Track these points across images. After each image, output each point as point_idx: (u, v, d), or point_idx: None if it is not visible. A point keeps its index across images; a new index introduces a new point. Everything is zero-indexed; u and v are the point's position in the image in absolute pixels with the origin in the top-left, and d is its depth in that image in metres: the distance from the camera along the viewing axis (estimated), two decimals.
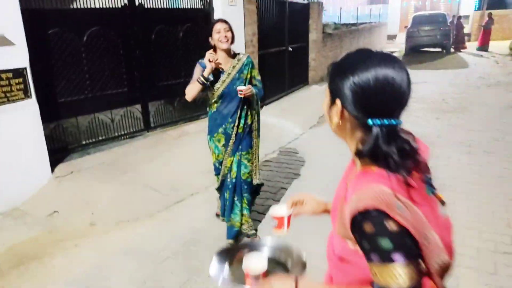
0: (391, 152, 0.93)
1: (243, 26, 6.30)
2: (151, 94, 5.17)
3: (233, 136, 3.03)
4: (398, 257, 0.87)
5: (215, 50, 2.91)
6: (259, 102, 3.14)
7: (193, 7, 5.62)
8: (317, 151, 5.30)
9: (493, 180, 4.18)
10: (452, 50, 16.74)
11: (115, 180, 4.07)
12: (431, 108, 7.52)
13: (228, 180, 3.13)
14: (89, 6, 4.36)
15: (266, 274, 1.13)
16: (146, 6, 4.93)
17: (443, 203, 1.07)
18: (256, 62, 6.80)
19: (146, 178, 4.19)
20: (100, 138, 4.69)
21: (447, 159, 4.84)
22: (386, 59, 0.97)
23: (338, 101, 1.00)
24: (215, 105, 3.03)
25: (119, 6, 4.66)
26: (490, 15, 16.81)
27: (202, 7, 5.76)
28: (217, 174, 3.19)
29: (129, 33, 4.77)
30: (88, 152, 4.51)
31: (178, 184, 4.15)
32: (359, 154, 0.99)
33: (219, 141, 3.08)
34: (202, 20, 5.69)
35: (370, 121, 0.94)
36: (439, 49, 16.63)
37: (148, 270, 2.89)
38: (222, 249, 1.35)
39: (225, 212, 3.18)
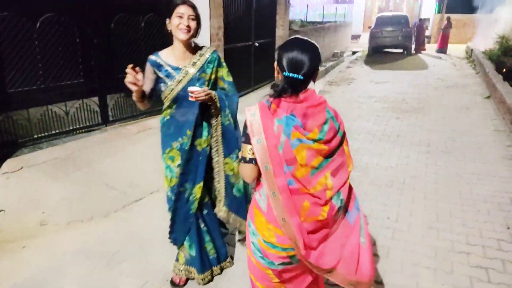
0: (285, 90, 1.57)
1: (208, 18, 6.15)
2: (110, 85, 4.94)
3: (188, 150, 2.34)
4: (242, 138, 1.59)
5: (171, 39, 2.32)
6: (226, 112, 2.39)
7: None
8: None
9: (450, 179, 4.30)
10: (413, 51, 17.28)
11: (69, 177, 3.85)
12: (391, 107, 7.69)
13: (193, 215, 2.47)
14: None
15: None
16: None
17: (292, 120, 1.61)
18: (221, 56, 6.66)
19: (102, 175, 3.99)
20: (54, 132, 4.43)
21: (406, 158, 4.94)
22: (297, 44, 1.61)
23: (275, 64, 1.62)
24: (168, 110, 2.38)
25: None
26: (448, 19, 17.48)
27: None
28: (171, 208, 2.45)
29: (86, 21, 4.52)
30: (40, 146, 4.24)
31: (137, 181, 3.97)
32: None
33: (172, 159, 2.39)
34: (166, 10, 5.48)
35: (285, 73, 1.56)
36: (401, 50, 17.11)
37: (102, 273, 2.73)
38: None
39: (196, 264, 2.55)
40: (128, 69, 2.03)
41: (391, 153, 5.10)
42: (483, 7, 20.05)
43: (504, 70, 9.94)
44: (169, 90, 2.31)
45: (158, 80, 2.34)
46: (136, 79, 2.06)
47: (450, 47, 17.70)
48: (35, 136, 4.27)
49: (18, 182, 3.65)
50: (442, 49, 17.26)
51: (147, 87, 2.31)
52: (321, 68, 12.03)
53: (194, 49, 2.37)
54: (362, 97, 8.72)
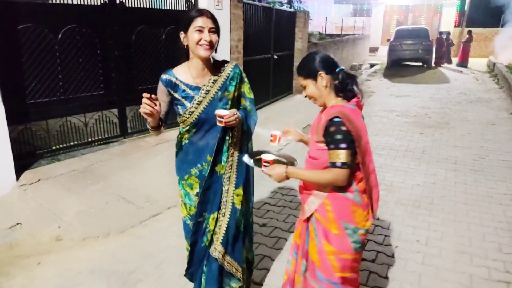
0: (350, 82, 1.81)
1: (228, 31, 6.10)
2: (129, 98, 4.88)
3: (207, 177, 2.11)
4: (343, 145, 1.67)
5: (187, 56, 2.04)
6: (250, 133, 2.22)
7: (177, 8, 5.39)
8: (302, 162, 5.11)
9: (480, 200, 4.08)
10: (433, 65, 16.98)
11: (86, 190, 3.78)
12: (414, 122, 7.48)
13: (206, 249, 2.21)
14: (67, 2, 4.09)
15: (274, 162, 1.86)
16: (127, 5, 4.67)
17: (363, 117, 1.85)
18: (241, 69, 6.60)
19: (120, 188, 3.90)
20: (72, 143, 4.38)
21: (433, 176, 4.73)
22: (316, 52, 1.89)
23: (320, 73, 1.78)
24: (187, 134, 2.11)
25: (99, 3, 4.39)
26: (469, 32, 17.16)
27: (186, 8, 5.52)
28: (189, 238, 2.22)
29: (108, 33, 4.49)
30: (58, 158, 4.19)
31: (154, 196, 3.87)
32: (337, 90, 1.80)
33: (191, 187, 2.16)
34: (181, 22, 5.45)
35: (337, 69, 1.79)
36: (421, 64, 16.85)
37: None
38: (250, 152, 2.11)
39: None
40: (144, 99, 1.79)
41: (417, 171, 4.90)
42: (504, 21, 19.71)
43: None
44: (189, 113, 2.03)
45: (173, 102, 2.08)
46: (153, 109, 1.81)
47: (470, 61, 17.36)
48: (54, 148, 4.23)
49: (35, 195, 3.58)
50: (463, 63, 16.94)
51: (162, 112, 2.04)
52: None
53: (213, 64, 2.08)
54: (383, 110, 8.52)
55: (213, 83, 2.05)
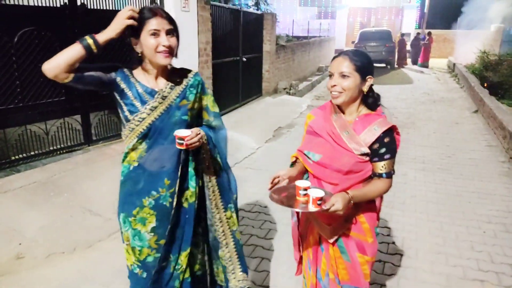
0: (378, 97, 1.77)
1: (196, 33, 5.97)
2: (93, 103, 4.66)
3: (174, 211, 1.78)
4: (394, 154, 1.67)
5: (140, 63, 1.75)
6: (216, 153, 1.90)
7: None
8: (274, 166, 5.06)
9: (450, 198, 4.16)
10: (396, 66, 17.45)
11: (49, 203, 3.54)
12: None
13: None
14: (24, 3, 3.84)
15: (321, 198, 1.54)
16: (89, 7, 4.45)
17: None
18: (210, 72, 6.48)
19: (85, 200, 3.69)
20: (32, 153, 4.12)
21: (404, 176, 4.79)
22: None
23: (370, 77, 1.71)
24: (134, 154, 1.75)
25: (59, 5, 4.16)
26: (429, 33, 17.74)
27: None
28: None
29: (68, 36, 4.25)
30: (17, 169, 3.92)
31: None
32: (368, 101, 1.73)
33: (143, 222, 1.78)
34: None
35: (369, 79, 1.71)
36: (384, 65, 17.27)
37: None
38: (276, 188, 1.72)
39: None
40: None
41: None
42: (462, 23, 20.57)
43: (485, 84, 10.06)
44: (139, 119, 1.70)
45: (122, 102, 1.73)
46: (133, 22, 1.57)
47: (431, 61, 17.98)
48: (12, 158, 3.96)
49: None
50: (424, 63, 17.47)
51: (89, 73, 1.64)
52: (307, 83, 11.98)
53: (171, 71, 1.82)
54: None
55: (170, 88, 1.76)
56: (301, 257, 2.00)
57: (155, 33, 1.63)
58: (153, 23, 1.62)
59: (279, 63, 10.35)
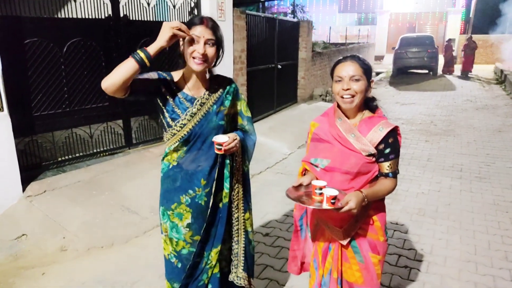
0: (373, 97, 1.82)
1: (231, 41, 6.16)
2: (134, 109, 4.94)
3: (210, 211, 1.90)
4: (398, 155, 1.73)
5: (184, 62, 1.84)
6: (249, 155, 2.05)
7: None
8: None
9: (486, 208, 4.04)
10: (441, 72, 16.74)
11: (91, 201, 3.81)
12: (420, 130, 7.45)
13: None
14: (73, 16, 4.18)
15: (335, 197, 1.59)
16: (131, 18, 4.75)
17: None
18: (244, 79, 6.65)
19: (124, 199, 3.93)
20: (77, 154, 4.43)
21: (438, 184, 4.70)
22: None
23: (372, 81, 1.77)
24: (175, 154, 1.87)
25: (103, 17, 4.48)
26: (469, 38, 16.35)
27: None
28: (177, 280, 1.98)
29: (112, 45, 4.57)
30: (63, 169, 4.24)
31: (158, 206, 3.89)
32: (371, 104, 1.80)
33: (180, 217, 1.90)
34: None
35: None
36: (426, 71, 16.80)
37: None
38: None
39: None
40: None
41: (422, 179, 4.87)
42: (510, 27, 19.63)
43: None
44: (180, 126, 1.81)
45: (164, 109, 1.84)
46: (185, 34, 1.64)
47: (477, 67, 17.20)
48: (59, 159, 4.28)
49: (41, 206, 3.62)
50: (464, 72, 16.11)
51: (142, 80, 1.76)
52: None
53: (209, 78, 1.93)
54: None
55: (208, 95, 1.88)
56: (302, 263, 2.06)
57: (195, 41, 1.73)
58: (197, 30, 1.72)
59: (315, 70, 10.39)
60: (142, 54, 1.63)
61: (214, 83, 1.93)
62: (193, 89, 1.87)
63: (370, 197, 1.64)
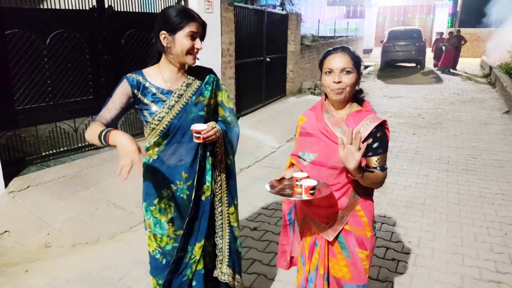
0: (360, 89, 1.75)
1: (219, 34, 6.09)
2: None
3: (192, 204, 1.88)
4: (386, 149, 1.69)
5: (159, 57, 1.84)
6: (233, 148, 2.01)
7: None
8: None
9: (473, 200, 4.08)
10: (433, 67, 16.39)
11: (76, 196, 3.74)
12: (407, 123, 7.49)
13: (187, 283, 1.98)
14: (56, 7, 4.06)
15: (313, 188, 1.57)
16: (116, 9, 4.65)
17: None
18: (232, 72, 6.59)
19: (110, 194, 3.87)
20: (62, 149, 4.34)
21: (425, 177, 4.74)
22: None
23: (361, 73, 1.72)
24: (156, 148, 1.85)
25: (87, 8, 4.37)
26: (450, 33, 15.83)
27: None
28: (161, 275, 1.96)
29: (97, 37, 4.46)
30: (48, 164, 4.15)
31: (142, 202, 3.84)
32: (358, 96, 1.76)
33: (163, 212, 1.89)
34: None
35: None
36: (414, 64, 16.90)
37: None
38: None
39: None
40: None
41: (409, 172, 4.90)
42: (497, 21, 19.84)
43: None
44: (158, 119, 1.79)
45: (139, 108, 1.84)
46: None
47: (463, 61, 17.31)
48: (43, 154, 4.18)
49: (24, 202, 3.54)
50: (444, 67, 15.48)
51: (114, 117, 1.80)
52: None
53: (188, 69, 1.89)
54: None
55: (186, 86, 1.84)
56: (291, 258, 2.03)
57: (193, 36, 1.73)
58: (193, 26, 1.73)
59: (303, 63, 10.36)
60: (103, 141, 1.65)
61: (193, 74, 1.89)
62: (170, 81, 1.84)
63: (365, 175, 1.57)
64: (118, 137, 1.59)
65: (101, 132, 1.65)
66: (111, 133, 1.62)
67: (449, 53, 15.34)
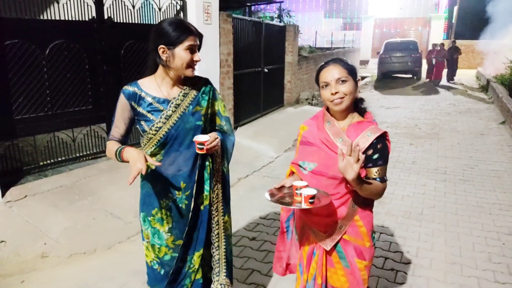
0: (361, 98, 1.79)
1: (218, 45, 6.14)
2: None
3: (191, 213, 1.88)
4: (387, 161, 1.68)
5: (154, 69, 1.85)
6: (228, 156, 2.02)
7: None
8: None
9: (470, 210, 4.09)
10: (426, 79, 16.12)
11: (73, 206, 3.72)
12: (404, 133, 7.53)
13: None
14: (56, 18, 4.09)
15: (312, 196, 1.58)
16: (115, 20, 4.69)
17: None
18: (231, 82, 6.63)
19: (107, 204, 3.85)
20: (60, 159, 4.33)
21: (423, 187, 4.75)
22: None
23: (359, 80, 1.73)
24: (153, 158, 1.82)
25: (87, 19, 4.40)
26: (442, 45, 15.61)
27: None
28: (155, 286, 1.98)
29: (96, 48, 4.49)
30: (45, 174, 4.14)
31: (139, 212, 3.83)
32: (359, 107, 1.77)
33: (161, 222, 1.89)
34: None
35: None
36: (410, 75, 17.04)
37: None
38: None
39: None
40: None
41: (407, 182, 4.91)
42: (492, 33, 20.08)
43: None
44: (155, 129, 1.79)
45: (136, 118, 1.85)
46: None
47: (460, 72, 17.42)
48: (41, 163, 4.17)
49: (21, 211, 3.53)
50: (435, 80, 15.27)
51: (123, 133, 1.86)
52: None
53: (184, 79, 1.88)
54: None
55: (183, 96, 1.85)
56: (288, 264, 2.01)
57: (192, 49, 1.76)
58: (192, 40, 1.75)
59: (301, 74, 10.43)
60: (119, 158, 1.76)
61: (189, 83, 1.90)
62: (167, 91, 1.85)
63: (363, 186, 1.56)
64: (129, 153, 1.71)
65: (116, 151, 1.76)
66: (124, 151, 1.74)
67: (440, 65, 15.20)
